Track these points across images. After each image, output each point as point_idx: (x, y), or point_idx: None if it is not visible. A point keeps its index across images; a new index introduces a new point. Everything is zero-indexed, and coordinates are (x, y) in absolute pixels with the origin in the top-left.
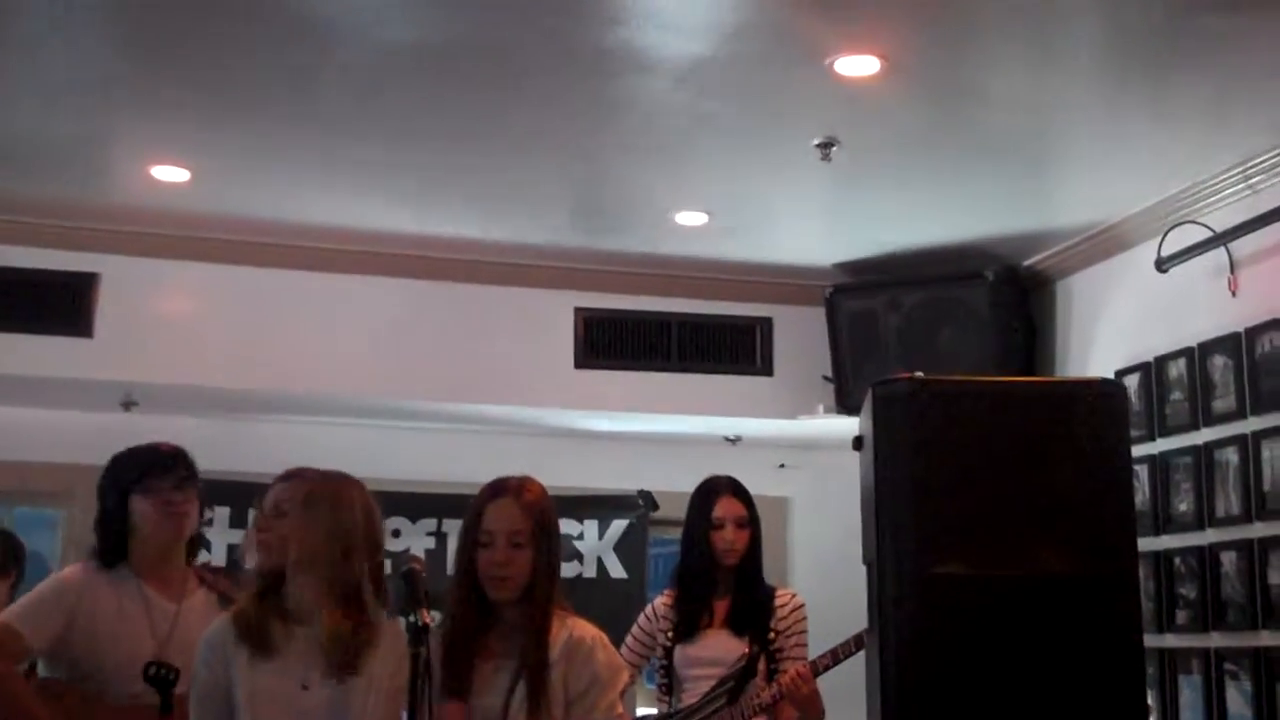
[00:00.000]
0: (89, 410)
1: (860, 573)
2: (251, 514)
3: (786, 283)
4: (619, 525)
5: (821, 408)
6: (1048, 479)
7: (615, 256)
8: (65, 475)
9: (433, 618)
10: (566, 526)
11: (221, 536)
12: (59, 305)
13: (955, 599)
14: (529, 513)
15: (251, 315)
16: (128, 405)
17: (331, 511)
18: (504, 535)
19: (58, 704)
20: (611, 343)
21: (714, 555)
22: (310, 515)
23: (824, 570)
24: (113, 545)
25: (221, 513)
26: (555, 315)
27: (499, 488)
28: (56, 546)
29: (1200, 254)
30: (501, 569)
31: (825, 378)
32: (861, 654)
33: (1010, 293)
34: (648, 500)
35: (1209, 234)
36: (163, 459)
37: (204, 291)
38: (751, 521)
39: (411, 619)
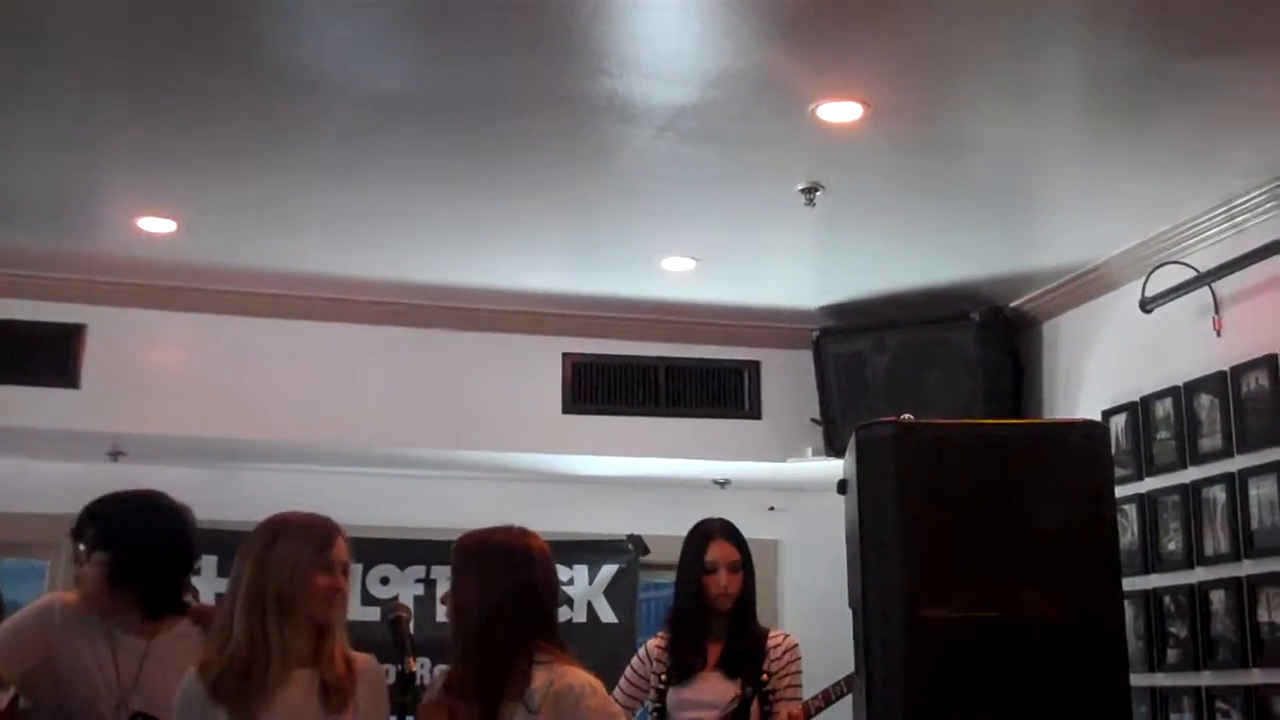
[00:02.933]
0: (76, 461)
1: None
2: None
3: (774, 326)
4: (609, 570)
5: (810, 450)
6: (1032, 521)
7: (603, 302)
8: (51, 526)
9: (419, 665)
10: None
11: (209, 585)
12: (46, 356)
13: (941, 642)
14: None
15: (238, 365)
16: (115, 455)
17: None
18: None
19: None
20: (600, 387)
21: (707, 599)
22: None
23: (814, 612)
24: None
25: (209, 561)
26: (544, 361)
27: None
28: None
29: (1184, 294)
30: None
31: (813, 420)
32: (851, 696)
33: (996, 334)
34: (638, 544)
35: (1193, 274)
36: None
37: (190, 341)
38: (745, 565)
39: (399, 667)
